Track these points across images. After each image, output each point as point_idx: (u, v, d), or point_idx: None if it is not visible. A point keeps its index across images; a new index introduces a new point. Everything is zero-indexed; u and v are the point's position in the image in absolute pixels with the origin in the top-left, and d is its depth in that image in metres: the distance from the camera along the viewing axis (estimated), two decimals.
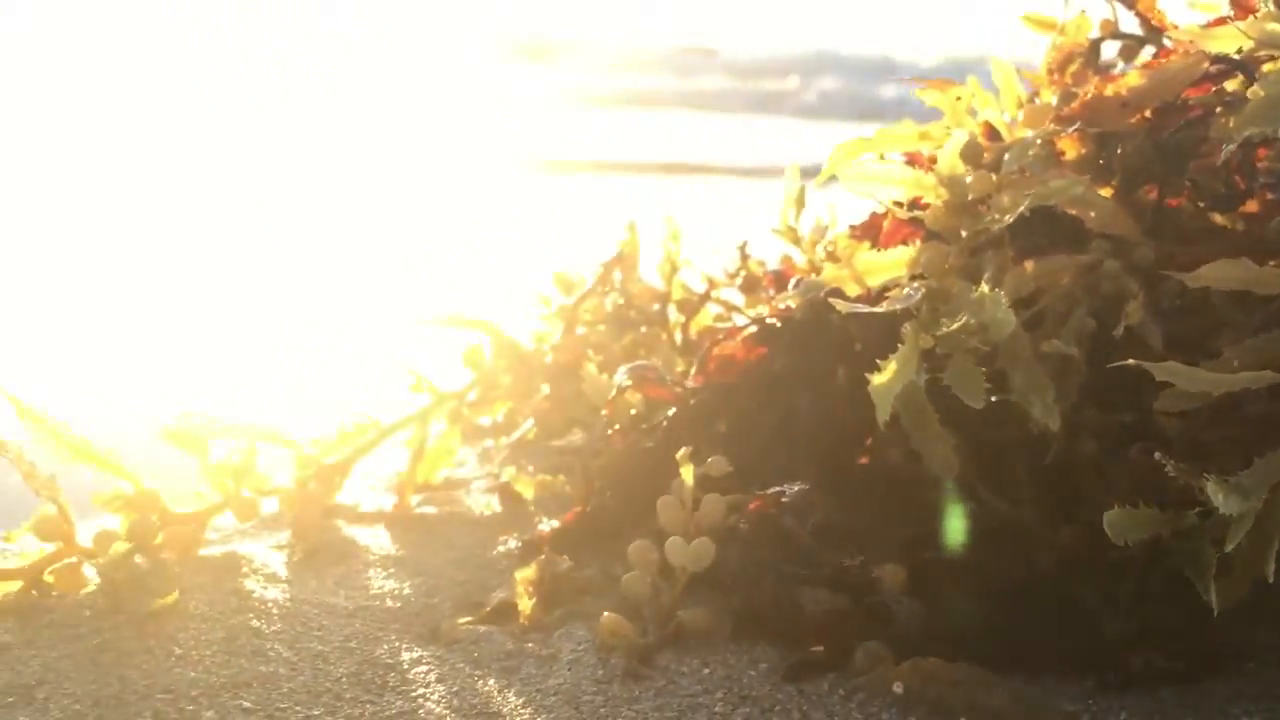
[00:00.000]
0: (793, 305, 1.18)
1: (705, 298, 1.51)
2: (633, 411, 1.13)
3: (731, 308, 1.54)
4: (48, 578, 0.96)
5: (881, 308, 1.02)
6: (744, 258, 1.52)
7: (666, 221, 1.47)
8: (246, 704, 0.80)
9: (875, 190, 1.12)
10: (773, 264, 1.50)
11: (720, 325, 1.50)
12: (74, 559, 0.97)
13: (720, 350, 1.19)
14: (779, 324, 1.18)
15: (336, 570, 1.03)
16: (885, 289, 1.10)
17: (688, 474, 0.96)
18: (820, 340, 1.16)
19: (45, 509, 0.97)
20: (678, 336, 1.48)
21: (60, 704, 0.79)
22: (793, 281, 1.21)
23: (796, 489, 0.93)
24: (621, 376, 1.14)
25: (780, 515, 0.93)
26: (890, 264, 1.10)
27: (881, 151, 1.26)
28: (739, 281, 1.51)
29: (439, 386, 1.22)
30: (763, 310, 1.51)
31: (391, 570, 1.03)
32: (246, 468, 1.04)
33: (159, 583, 0.95)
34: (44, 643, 0.87)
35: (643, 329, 1.45)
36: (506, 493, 1.19)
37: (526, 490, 1.16)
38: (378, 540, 1.10)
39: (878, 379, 0.96)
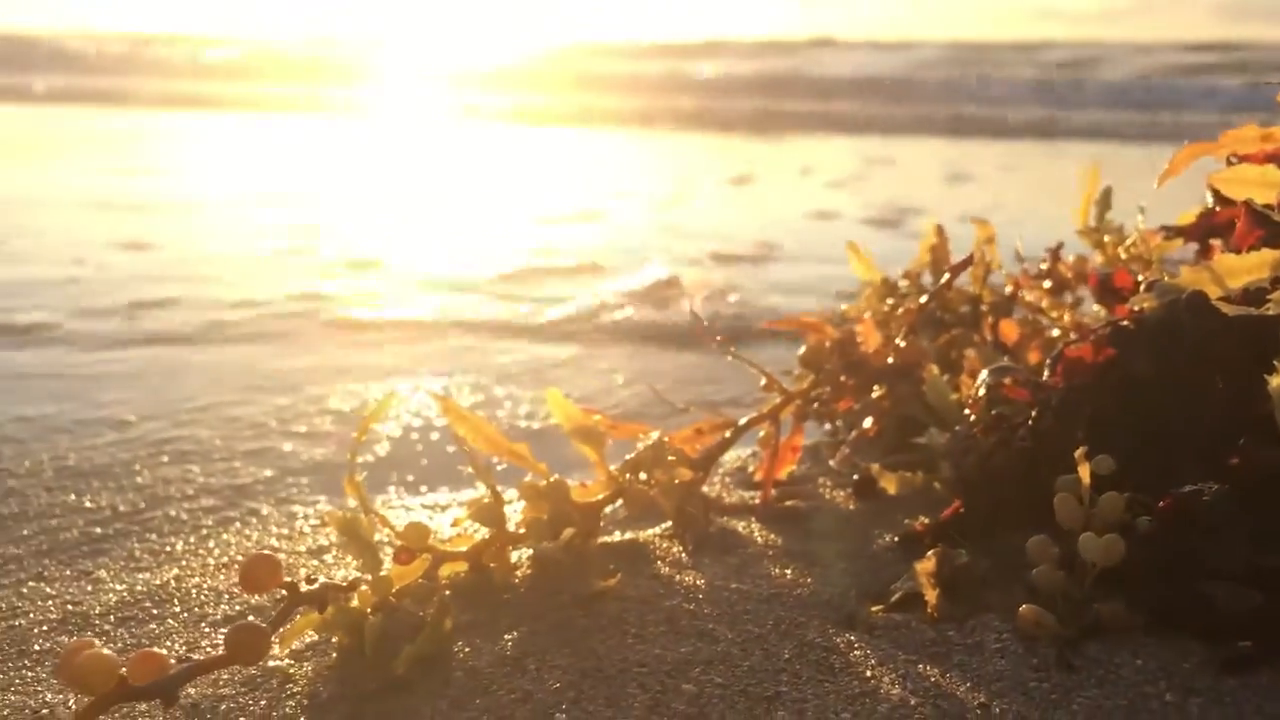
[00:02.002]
0: (1146, 307, 1.20)
1: (1012, 299, 1.54)
2: (994, 412, 1.17)
3: (1036, 309, 1.56)
4: (489, 561, 1.05)
5: (1270, 310, 1.04)
6: (1054, 259, 1.54)
7: (978, 226, 1.50)
8: (718, 680, 0.87)
9: (1248, 192, 1.14)
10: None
11: (1032, 326, 1.54)
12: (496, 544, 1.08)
13: (1068, 352, 1.22)
14: (1133, 326, 1.20)
15: (731, 559, 1.10)
16: (1246, 291, 1.12)
17: (1084, 472, 0.99)
18: (1177, 342, 1.18)
19: (481, 495, 1.06)
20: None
21: (552, 675, 0.87)
22: (1145, 283, 1.23)
23: (1216, 489, 0.95)
24: (985, 377, 1.19)
25: (1195, 514, 0.95)
26: (1253, 265, 1.11)
27: (1226, 154, 1.27)
28: (1047, 283, 1.54)
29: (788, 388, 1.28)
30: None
31: (783, 560, 1.09)
32: (653, 461, 1.12)
33: (594, 567, 1.04)
34: (508, 622, 0.97)
35: (954, 330, 1.49)
36: (862, 487, 1.24)
37: (890, 485, 1.21)
38: (755, 531, 1.17)
39: (1276, 380, 0.98)
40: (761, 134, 7.63)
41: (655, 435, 1.14)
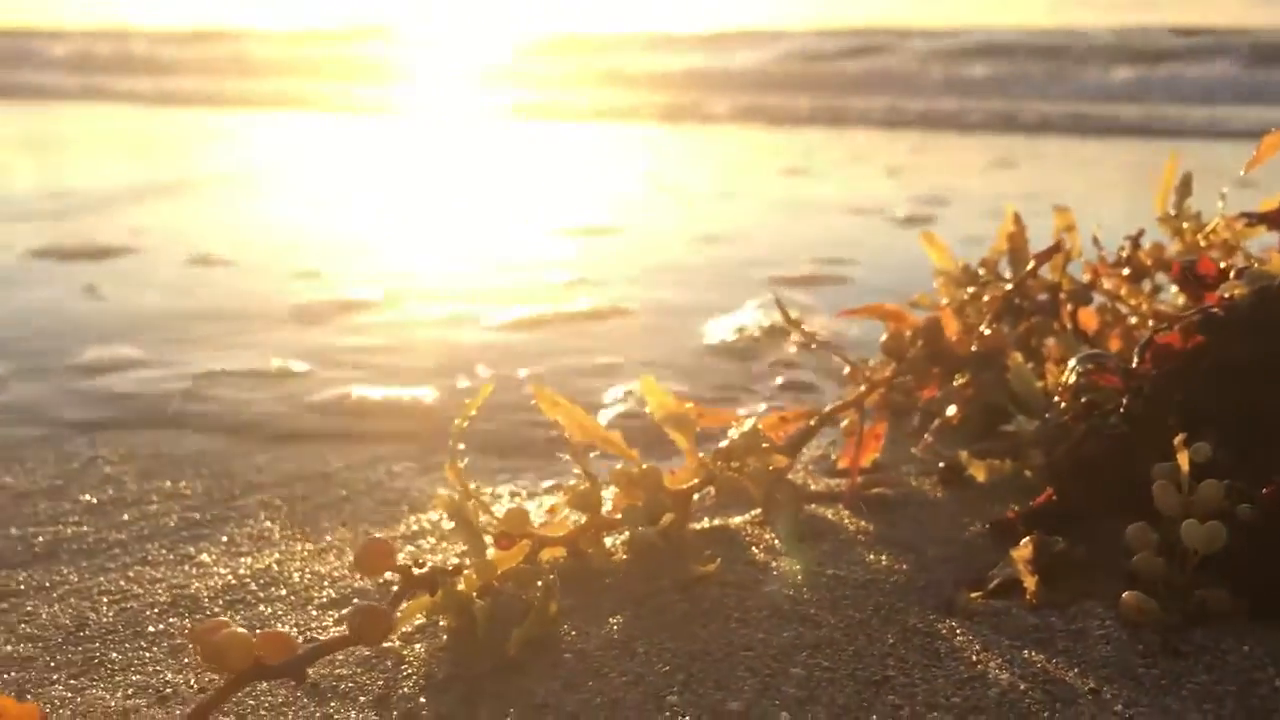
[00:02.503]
0: (1237, 294, 1.19)
1: (1090, 287, 1.53)
2: (1084, 399, 1.17)
3: (1115, 297, 1.55)
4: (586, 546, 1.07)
5: None
6: (1135, 247, 1.53)
7: (1058, 214, 1.50)
8: (825, 664, 0.88)
9: None
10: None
11: (1111, 314, 1.54)
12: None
13: (1158, 338, 1.22)
14: (1224, 313, 1.19)
15: (823, 545, 1.11)
16: None
17: (1183, 459, 0.99)
18: (1271, 328, 1.17)
19: (580, 483, 1.08)
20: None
21: (661, 658, 0.89)
22: (1235, 270, 1.22)
23: None
24: (1076, 364, 1.19)
25: None
26: None
27: None
28: (1126, 270, 1.54)
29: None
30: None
31: (875, 546, 1.10)
32: (746, 449, 1.13)
33: (690, 552, 1.05)
34: (610, 606, 0.98)
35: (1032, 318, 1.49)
36: (948, 474, 1.25)
37: (979, 473, 1.21)
38: (844, 519, 1.18)
39: None
40: (805, 128, 7.61)
41: (750, 422, 1.15)
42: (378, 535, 0.92)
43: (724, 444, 1.14)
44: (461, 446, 1.01)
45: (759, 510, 1.18)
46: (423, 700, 0.85)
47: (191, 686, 0.90)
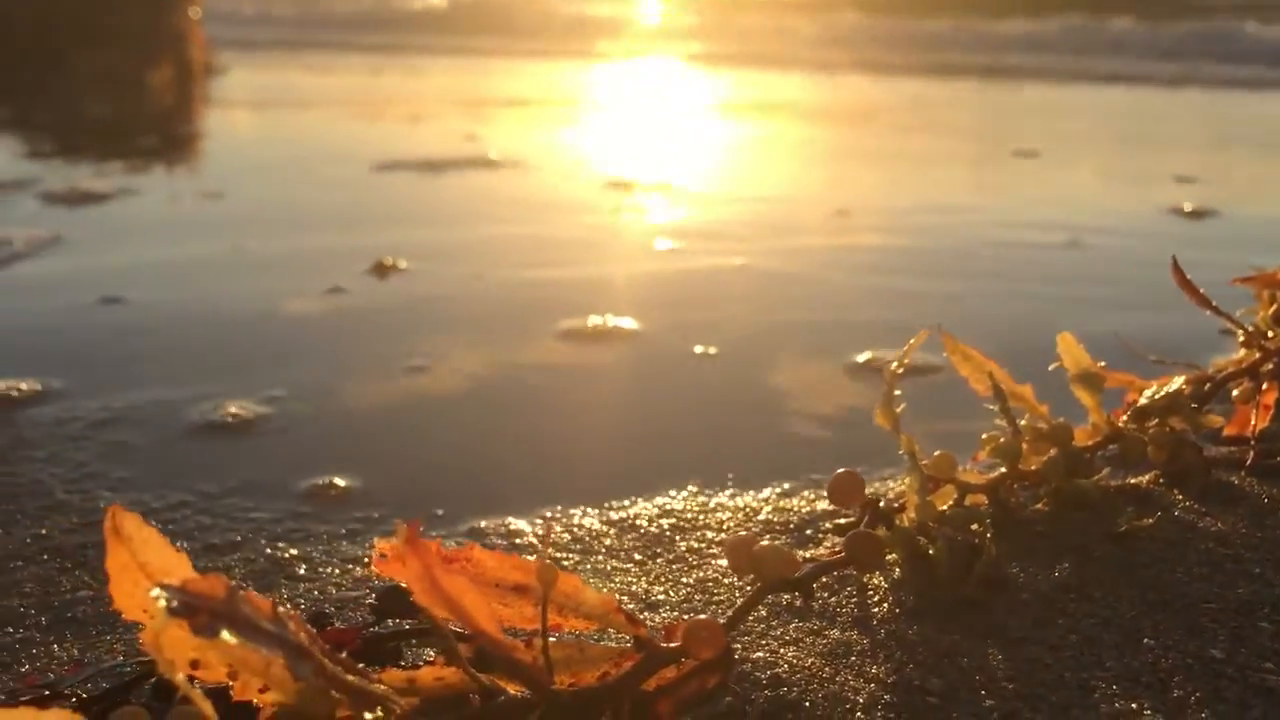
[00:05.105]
0: None
1: None
2: None
3: None
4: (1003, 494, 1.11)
5: None
6: None
7: None
8: None
9: None
10: None
11: None
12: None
13: None
14: None
15: (1240, 509, 1.11)
16: None
17: None
18: None
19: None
20: None
21: (1121, 603, 0.93)
22: None
23: None
24: None
25: None
26: None
27: None
28: None
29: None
30: None
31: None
32: (1168, 409, 1.14)
33: (1113, 506, 1.08)
34: (1047, 553, 1.02)
35: None
36: None
37: None
38: (1254, 485, 1.17)
39: None
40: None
41: (1177, 381, 1.16)
42: (846, 469, 0.98)
43: (1141, 403, 1.16)
44: (898, 392, 1.06)
45: (1156, 471, 1.20)
46: (902, 626, 0.91)
47: (664, 596, 0.99)
